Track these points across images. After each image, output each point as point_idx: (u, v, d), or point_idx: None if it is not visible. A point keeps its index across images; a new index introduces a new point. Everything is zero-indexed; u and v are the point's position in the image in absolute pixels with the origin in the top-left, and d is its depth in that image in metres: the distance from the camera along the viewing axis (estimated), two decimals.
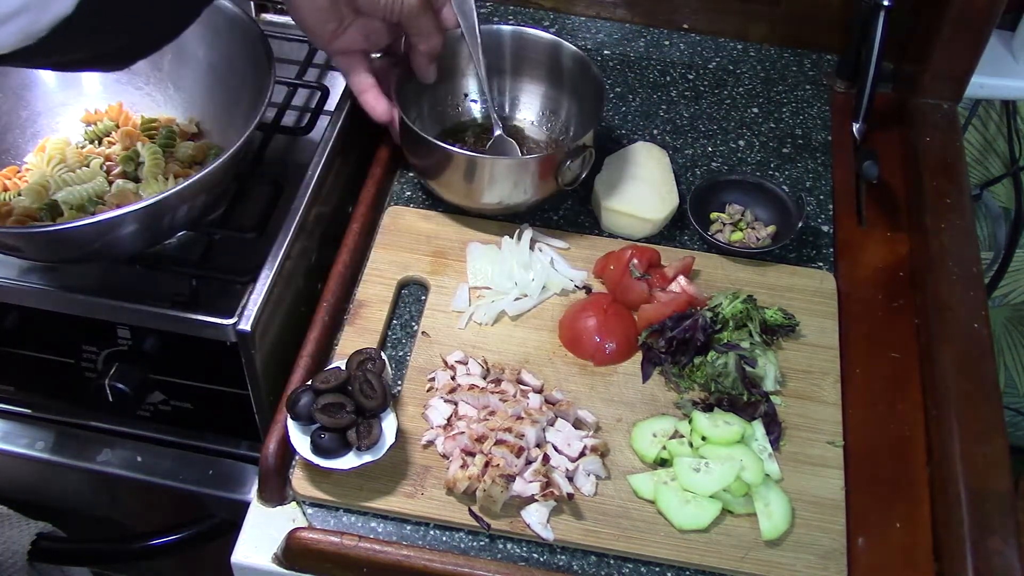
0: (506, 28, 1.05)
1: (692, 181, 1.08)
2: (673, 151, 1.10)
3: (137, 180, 0.98)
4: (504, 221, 1.01)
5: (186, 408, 0.96)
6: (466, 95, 1.09)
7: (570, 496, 0.81)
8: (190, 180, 0.83)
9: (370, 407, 0.79)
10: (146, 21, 0.68)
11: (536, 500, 0.80)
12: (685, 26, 1.26)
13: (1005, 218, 1.50)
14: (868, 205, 1.07)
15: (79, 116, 1.04)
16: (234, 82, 0.99)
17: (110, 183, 0.97)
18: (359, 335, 0.91)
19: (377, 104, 0.96)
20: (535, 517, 0.80)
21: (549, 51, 1.04)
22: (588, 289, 0.97)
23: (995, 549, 0.78)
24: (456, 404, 0.86)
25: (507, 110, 1.09)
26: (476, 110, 1.09)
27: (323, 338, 0.90)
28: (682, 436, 0.85)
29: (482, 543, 0.81)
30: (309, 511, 0.82)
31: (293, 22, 0.92)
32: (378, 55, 0.99)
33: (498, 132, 1.04)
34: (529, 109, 1.09)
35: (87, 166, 0.98)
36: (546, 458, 0.82)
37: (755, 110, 1.16)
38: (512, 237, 0.98)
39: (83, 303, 0.88)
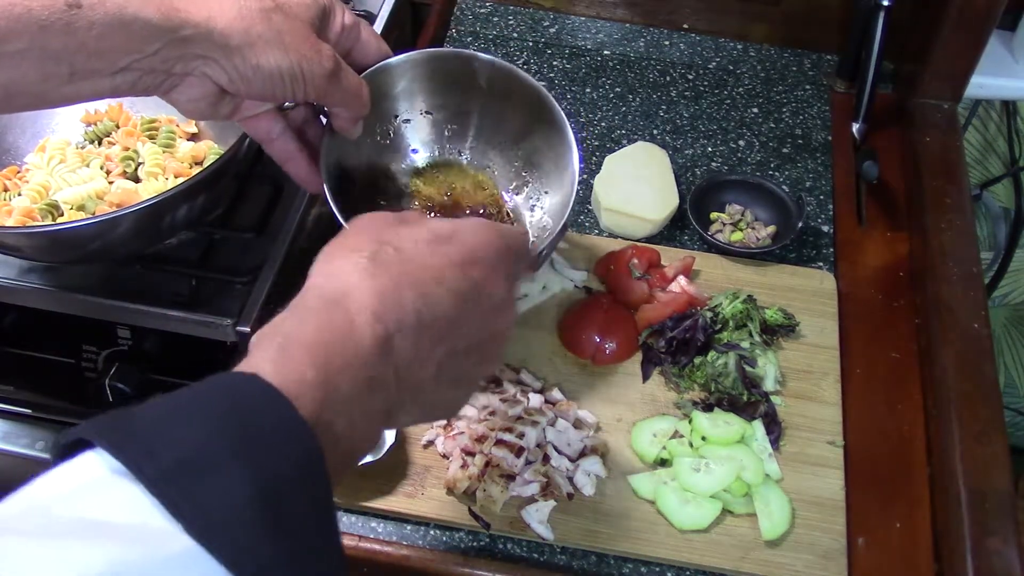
0: (485, 59, 0.82)
1: (692, 181, 1.08)
2: (673, 151, 1.10)
3: (137, 180, 0.98)
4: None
5: None
6: (410, 119, 0.86)
7: (570, 496, 0.81)
8: (190, 180, 0.83)
9: None
10: None
11: (536, 500, 0.80)
12: (685, 26, 1.26)
13: (1005, 218, 1.50)
14: (868, 205, 1.07)
15: (79, 116, 1.04)
16: None
17: (110, 183, 0.97)
18: None
19: (309, 179, 0.76)
20: (535, 517, 0.80)
21: (531, 101, 0.83)
22: (588, 289, 0.97)
23: (995, 549, 0.78)
24: None
25: (463, 138, 0.88)
26: (420, 153, 0.88)
27: None
28: (682, 436, 0.85)
29: (482, 543, 0.81)
30: None
31: None
32: (291, 104, 0.77)
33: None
34: (496, 165, 0.89)
35: (87, 166, 0.98)
36: (546, 458, 0.82)
37: (755, 110, 1.16)
38: None
39: (83, 303, 0.88)
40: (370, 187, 0.86)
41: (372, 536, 0.81)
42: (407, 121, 0.86)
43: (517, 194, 0.88)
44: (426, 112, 0.86)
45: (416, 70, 0.83)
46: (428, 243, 0.53)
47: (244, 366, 0.45)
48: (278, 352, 0.46)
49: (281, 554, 0.39)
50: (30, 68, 0.59)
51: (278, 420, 0.42)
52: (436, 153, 0.89)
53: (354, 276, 0.50)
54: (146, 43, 0.61)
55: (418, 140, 0.88)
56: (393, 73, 0.81)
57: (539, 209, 0.87)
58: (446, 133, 0.88)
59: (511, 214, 0.88)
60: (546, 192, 0.86)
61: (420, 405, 0.53)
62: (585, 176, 1.07)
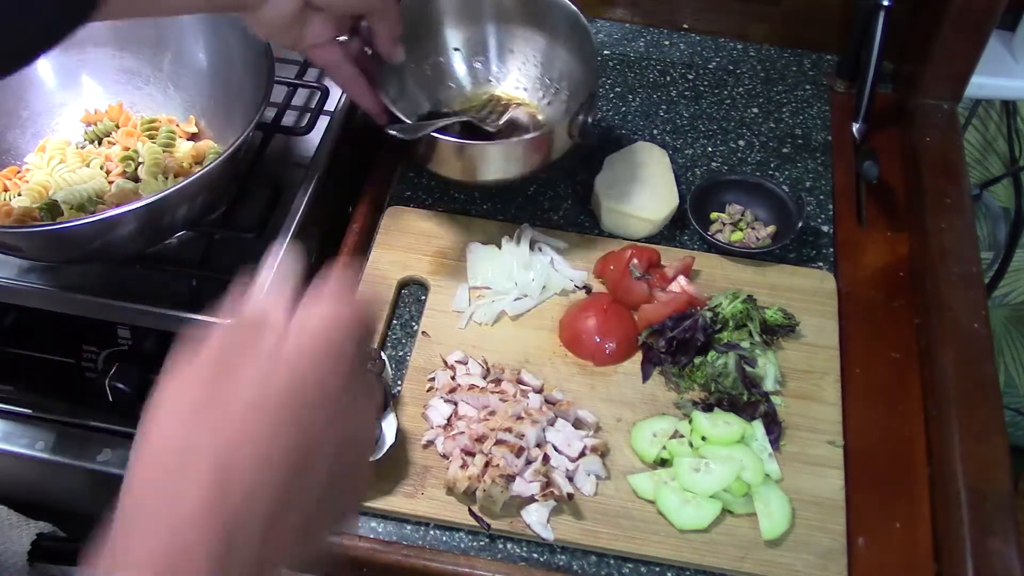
0: None
1: (692, 181, 1.08)
2: (673, 151, 1.10)
3: (137, 180, 0.98)
4: (504, 221, 1.01)
5: None
6: (444, 56, 1.06)
7: (570, 496, 0.81)
8: (190, 180, 0.83)
9: None
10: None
11: (536, 500, 0.80)
12: (685, 26, 1.26)
13: (1005, 218, 1.50)
14: (868, 205, 1.07)
15: (79, 116, 1.04)
16: (234, 82, 0.99)
17: (110, 183, 0.97)
18: None
19: (370, 100, 0.91)
20: (535, 517, 0.80)
21: (535, 7, 1.02)
22: (588, 289, 0.97)
23: (995, 549, 0.78)
24: (456, 404, 0.86)
25: (492, 66, 1.07)
26: (459, 68, 1.07)
27: None
28: (682, 436, 0.85)
29: (482, 543, 0.81)
30: None
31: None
32: (345, 37, 0.90)
33: (509, 115, 1.04)
34: (516, 62, 1.07)
35: (87, 166, 0.98)
36: (546, 458, 0.82)
37: (755, 110, 1.16)
38: (512, 237, 0.98)
39: (83, 303, 0.88)
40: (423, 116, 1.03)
41: (372, 536, 0.81)
42: (440, 60, 1.06)
43: (549, 105, 1.05)
44: (455, 49, 1.06)
45: None
46: (250, 406, 0.46)
47: None
48: None
49: None
50: None
51: None
52: (470, 86, 1.07)
53: (183, 480, 0.43)
54: None
55: (453, 76, 1.07)
56: None
57: (569, 112, 0.97)
58: (476, 65, 1.07)
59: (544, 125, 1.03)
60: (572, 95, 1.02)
61: (298, 548, 0.46)
62: (585, 176, 1.07)
